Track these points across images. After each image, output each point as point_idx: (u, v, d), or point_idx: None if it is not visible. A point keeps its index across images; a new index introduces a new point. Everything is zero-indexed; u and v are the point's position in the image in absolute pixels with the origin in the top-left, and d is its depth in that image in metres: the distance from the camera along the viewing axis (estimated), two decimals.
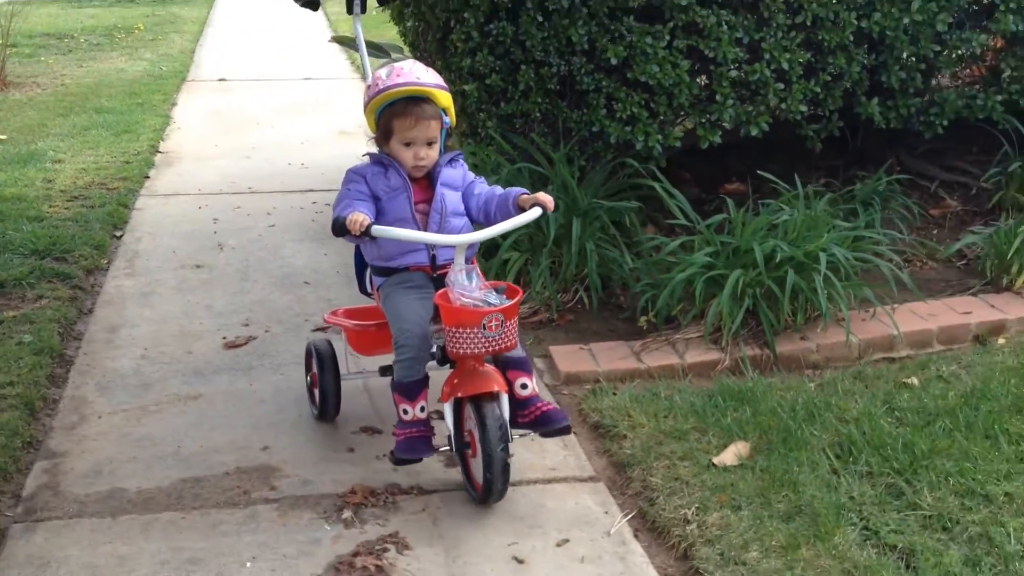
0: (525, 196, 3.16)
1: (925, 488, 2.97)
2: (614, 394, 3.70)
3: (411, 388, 3.12)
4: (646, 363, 3.93)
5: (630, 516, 3.09)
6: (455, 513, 3.10)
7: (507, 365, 3.12)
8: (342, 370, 3.55)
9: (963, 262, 4.72)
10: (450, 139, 3.27)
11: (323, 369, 3.52)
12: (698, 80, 4.71)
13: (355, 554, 2.88)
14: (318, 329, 4.37)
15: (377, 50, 6.46)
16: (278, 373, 4.00)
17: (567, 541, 2.96)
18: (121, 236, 5.57)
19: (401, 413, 3.14)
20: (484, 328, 2.92)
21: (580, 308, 4.46)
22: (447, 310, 2.96)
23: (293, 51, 11.81)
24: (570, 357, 4.01)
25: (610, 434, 3.49)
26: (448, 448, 3.11)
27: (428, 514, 3.10)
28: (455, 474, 3.27)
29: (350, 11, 4.41)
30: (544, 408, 3.11)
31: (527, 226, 3.68)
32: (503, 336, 2.96)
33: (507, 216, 3.14)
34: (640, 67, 4.53)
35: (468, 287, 2.96)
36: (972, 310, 4.13)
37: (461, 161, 3.36)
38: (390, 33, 7.70)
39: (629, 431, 3.44)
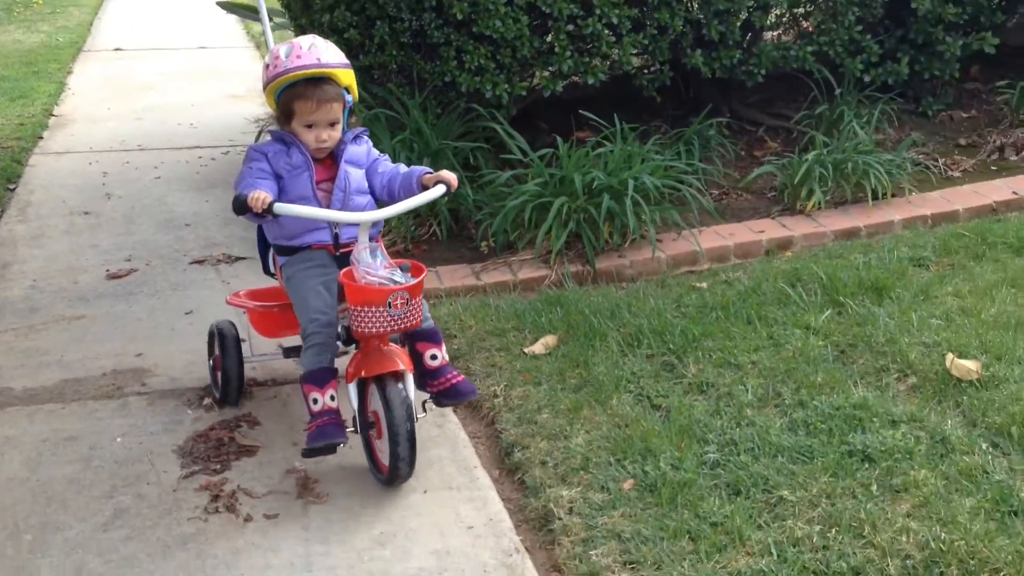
0: (429, 175, 3.17)
1: (691, 362, 3.58)
2: (451, 305, 4.24)
3: (320, 376, 3.07)
4: (483, 280, 4.49)
5: None
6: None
7: (416, 337, 3.14)
8: (245, 352, 3.53)
9: (772, 193, 5.35)
10: (353, 116, 3.32)
11: (225, 351, 3.47)
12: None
13: (211, 429, 3.40)
14: (195, 262, 4.85)
15: (255, 13, 6.90)
16: (155, 298, 4.48)
17: None
18: (14, 189, 5.96)
19: (311, 404, 3.07)
20: (390, 306, 2.91)
21: (434, 240, 4.98)
22: (352, 289, 2.95)
23: (190, 22, 12.09)
24: None
25: (444, 335, 4.03)
26: (352, 429, 3.07)
27: (279, 400, 3.62)
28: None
29: None
30: (454, 380, 3.16)
31: None
32: (408, 314, 2.96)
33: (410, 194, 3.15)
34: (484, 22, 5.05)
35: (373, 265, 2.95)
36: (765, 230, 4.76)
37: (366, 138, 3.34)
38: None
39: (459, 332, 3.99)
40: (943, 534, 2.56)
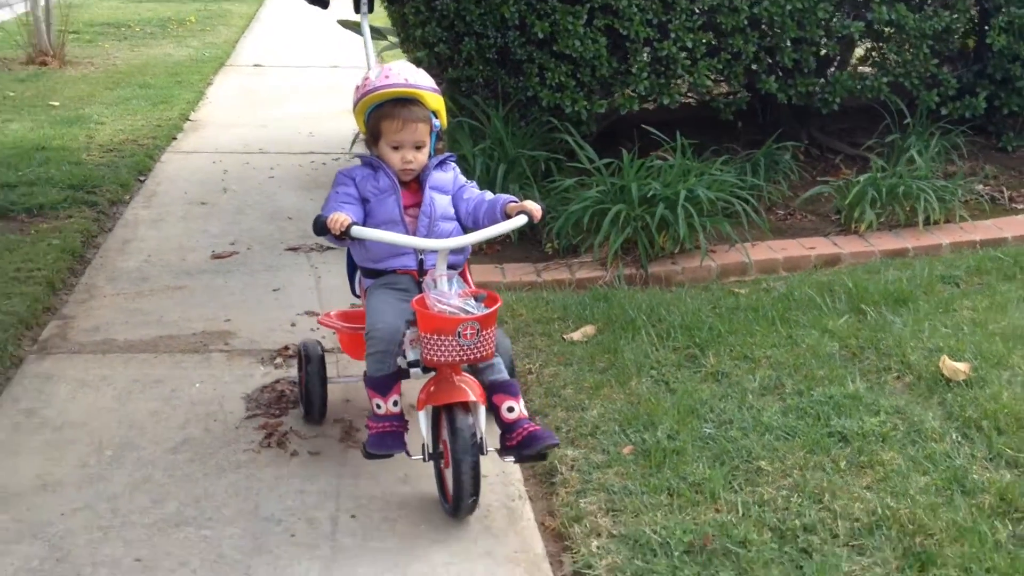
0: (513, 204, 3.14)
1: (712, 355, 3.87)
2: (508, 296, 4.62)
3: (383, 383, 3.12)
4: (543, 278, 4.87)
5: None
6: (358, 364, 4.04)
7: (493, 389, 3.06)
8: (330, 373, 3.60)
9: (836, 216, 5.57)
10: (440, 142, 3.29)
11: (310, 371, 3.52)
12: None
13: (276, 381, 3.88)
14: (289, 249, 5.39)
15: (376, 33, 7.49)
16: (250, 276, 5.02)
17: None
18: (144, 180, 6.65)
19: (374, 407, 3.14)
20: (459, 336, 2.87)
21: (507, 241, 5.39)
22: (423, 316, 2.93)
23: (326, 43, 12.85)
24: (483, 271, 4.95)
25: None
26: (421, 457, 3.04)
27: (341, 363, 4.04)
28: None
29: (357, 10, 4.91)
30: (530, 429, 3.04)
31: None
32: (479, 345, 2.91)
33: (494, 222, 3.14)
34: (564, 41, 5.45)
35: (446, 293, 2.92)
36: (816, 247, 5.01)
37: (452, 164, 3.34)
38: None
39: (509, 319, 4.38)
40: (892, 503, 2.82)
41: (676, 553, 2.73)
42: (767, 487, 2.99)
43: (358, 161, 3.36)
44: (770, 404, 3.46)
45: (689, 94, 6.27)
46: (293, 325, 4.43)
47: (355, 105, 3.24)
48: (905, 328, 3.90)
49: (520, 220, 3.08)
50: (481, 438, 2.94)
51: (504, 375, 3.12)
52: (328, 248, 5.40)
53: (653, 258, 4.92)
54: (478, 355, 2.94)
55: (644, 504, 2.97)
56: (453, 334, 2.88)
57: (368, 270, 3.31)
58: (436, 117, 3.23)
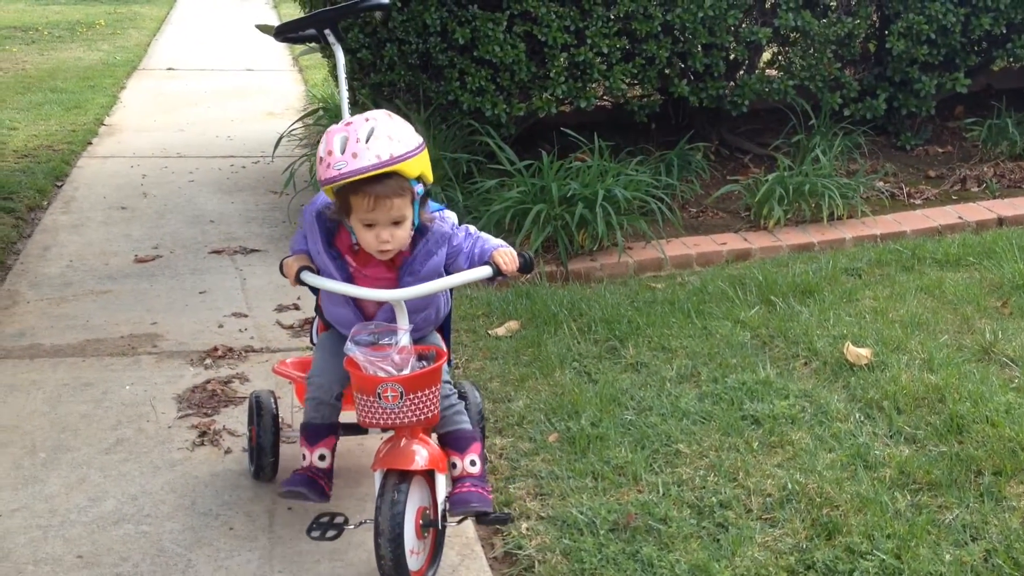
0: (502, 249, 2.86)
1: (631, 346, 4.05)
2: None
3: (314, 431, 2.93)
4: None
5: None
6: None
7: (442, 441, 2.88)
8: (284, 425, 3.39)
9: (746, 212, 5.81)
10: (427, 200, 2.84)
11: (261, 424, 3.23)
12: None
13: (207, 382, 3.93)
14: (213, 252, 5.42)
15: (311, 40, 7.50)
16: (175, 279, 5.04)
17: None
18: (61, 186, 6.60)
19: (301, 457, 2.95)
20: (379, 398, 2.65)
21: None
22: (352, 374, 2.72)
23: (241, 47, 12.81)
24: None
25: None
26: (361, 522, 2.82)
27: (271, 363, 4.13)
28: (298, 341, 4.32)
29: (325, 41, 4.68)
30: (460, 489, 2.83)
31: None
32: (402, 410, 2.65)
33: None
34: (484, 47, 5.60)
35: (385, 350, 2.67)
36: (728, 242, 5.23)
37: (445, 242, 2.86)
38: None
39: None
40: (801, 479, 3.02)
41: (602, 531, 2.89)
42: (685, 468, 3.17)
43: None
44: (687, 391, 3.64)
45: (605, 97, 6.48)
46: (221, 327, 4.49)
47: (320, 181, 2.76)
48: (811, 317, 4.12)
49: (484, 271, 2.80)
50: (438, 510, 2.75)
51: (460, 426, 2.90)
52: (253, 250, 5.45)
53: (573, 255, 5.09)
54: (404, 420, 2.67)
55: (570, 487, 3.12)
56: (373, 395, 2.66)
57: (325, 320, 3.05)
58: (420, 181, 2.75)
